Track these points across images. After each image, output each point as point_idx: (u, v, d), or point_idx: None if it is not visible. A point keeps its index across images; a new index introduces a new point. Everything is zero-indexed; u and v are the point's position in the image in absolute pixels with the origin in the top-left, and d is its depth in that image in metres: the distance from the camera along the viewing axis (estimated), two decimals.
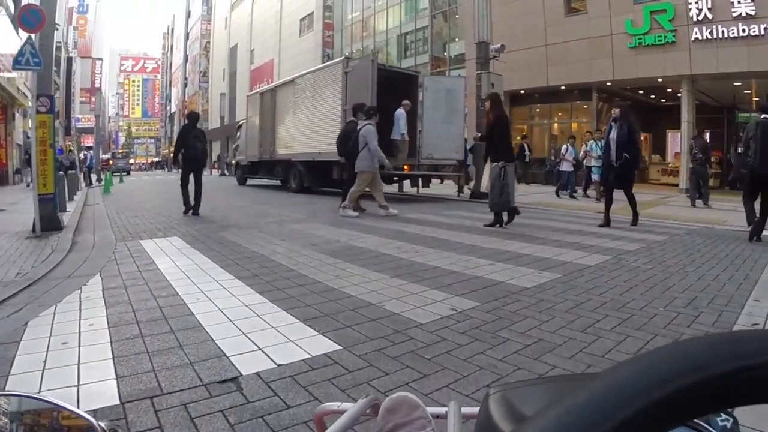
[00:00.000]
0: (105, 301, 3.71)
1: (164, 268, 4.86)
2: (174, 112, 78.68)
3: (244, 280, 4.24)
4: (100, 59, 64.26)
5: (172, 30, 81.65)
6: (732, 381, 0.28)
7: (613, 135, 7.81)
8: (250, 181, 20.83)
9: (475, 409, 0.59)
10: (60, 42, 40.18)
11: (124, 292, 3.95)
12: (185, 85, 69.44)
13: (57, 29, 24.49)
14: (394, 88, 13.51)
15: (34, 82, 8.22)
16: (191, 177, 9.82)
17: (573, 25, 19.13)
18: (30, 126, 31.69)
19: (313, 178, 15.03)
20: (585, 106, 20.88)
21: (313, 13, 38.50)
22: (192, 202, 9.62)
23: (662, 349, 0.31)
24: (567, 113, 22.04)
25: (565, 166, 14.42)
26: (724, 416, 0.52)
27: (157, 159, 79.34)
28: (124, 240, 6.73)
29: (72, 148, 41.13)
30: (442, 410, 0.68)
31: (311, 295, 3.81)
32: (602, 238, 6.77)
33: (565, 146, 14.85)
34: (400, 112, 12.67)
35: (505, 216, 7.73)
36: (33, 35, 8.12)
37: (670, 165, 20.69)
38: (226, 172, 34.21)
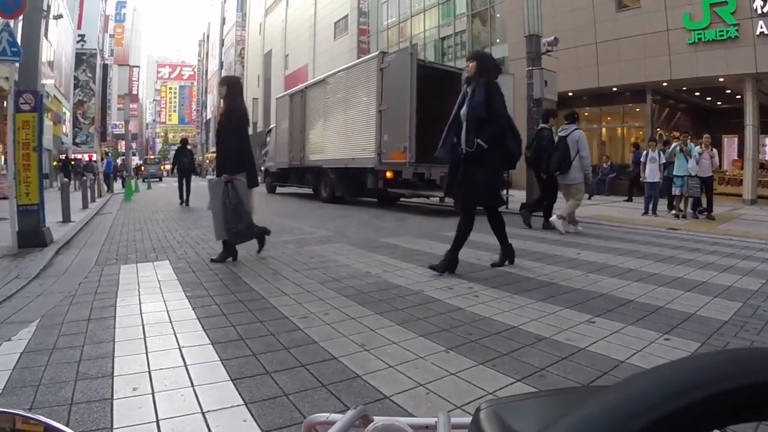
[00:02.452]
0: (7, 378, 2.32)
1: (122, 315, 3.44)
2: (209, 119, 78.91)
3: (220, 348, 2.75)
4: (137, 66, 64.74)
5: (208, 37, 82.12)
6: (742, 396, 0.28)
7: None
8: (279, 190, 19.62)
9: (465, 419, 0.58)
10: (95, 49, 40.33)
11: (43, 362, 2.56)
12: None
13: (55, 19, 23.99)
14: (435, 87, 11.98)
15: (14, 76, 6.96)
16: (183, 181, 14.60)
17: (625, 21, 17.61)
18: (64, 131, 31.35)
19: (346, 186, 13.63)
20: (637, 109, 19.13)
21: (347, 16, 37.37)
22: (184, 196, 14.42)
23: (675, 363, 0.31)
24: (618, 117, 20.24)
25: (651, 176, 11.51)
26: None
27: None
28: (105, 263, 5.52)
29: (108, 154, 41.10)
30: (431, 421, 0.65)
31: (317, 391, 2.27)
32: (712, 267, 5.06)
33: (646, 151, 12.06)
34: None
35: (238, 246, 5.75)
36: (11, 21, 6.95)
37: (727, 173, 18.78)
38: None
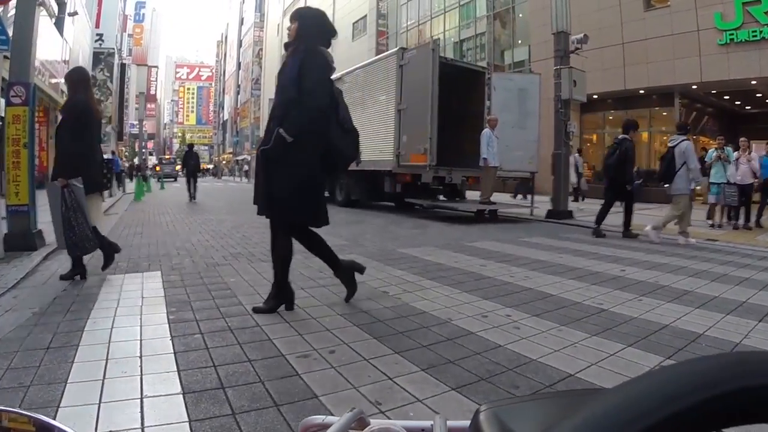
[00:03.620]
0: None
1: (87, 344, 2.82)
2: (226, 120, 79.01)
3: (192, 402, 2.10)
4: (156, 67, 64.93)
5: (226, 38, 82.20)
6: (741, 400, 0.29)
7: None
8: None
9: (463, 423, 0.59)
10: (113, 48, 40.27)
11: None
12: (238, 93, 69.36)
13: (70, 16, 23.75)
14: (458, 86, 11.33)
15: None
16: (191, 180, 16.77)
17: (654, 21, 16.92)
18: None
19: (362, 190, 13.01)
20: (665, 113, 18.35)
21: (366, 16, 36.86)
22: (192, 192, 16.47)
23: (676, 366, 0.31)
24: (644, 121, 19.24)
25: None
26: None
27: (210, 166, 79.85)
28: (91, 272, 4.90)
29: (126, 154, 41.01)
30: (426, 424, 0.62)
31: None
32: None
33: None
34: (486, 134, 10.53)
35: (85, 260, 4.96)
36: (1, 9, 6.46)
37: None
38: None
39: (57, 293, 4.12)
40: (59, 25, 23.50)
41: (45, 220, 9.28)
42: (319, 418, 0.67)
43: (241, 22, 68.38)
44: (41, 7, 19.66)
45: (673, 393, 0.29)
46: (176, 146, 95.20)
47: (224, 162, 74.32)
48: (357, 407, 0.65)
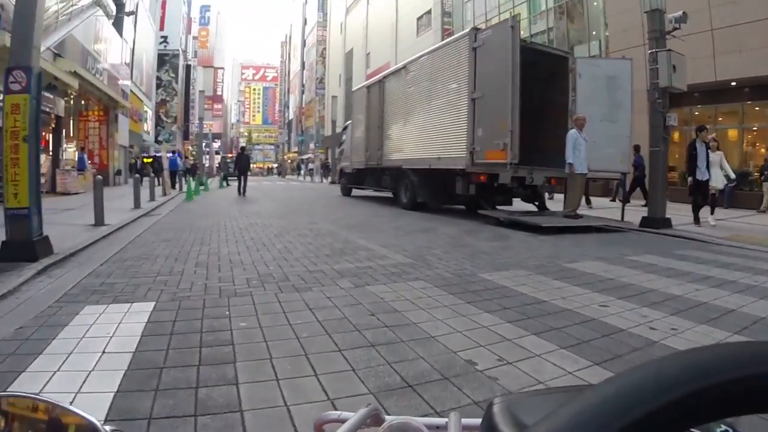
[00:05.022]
0: None
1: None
2: (291, 119, 79.46)
3: None
4: (222, 68, 65.89)
5: (290, 38, 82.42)
6: (738, 389, 0.29)
7: None
8: (355, 192, 17.72)
9: (476, 420, 0.59)
10: (178, 50, 40.75)
11: None
12: (302, 92, 69.34)
13: (127, 16, 23.57)
14: (537, 73, 9.58)
15: None
16: (242, 178, 18.41)
17: (747, 4, 14.38)
18: (145, 129, 31.47)
19: (430, 191, 11.43)
20: (757, 108, 15.67)
21: (430, 10, 35.26)
22: (241, 190, 18.00)
23: (672, 356, 0.31)
24: (734, 117, 16.70)
25: None
26: (724, 427, 0.49)
27: (275, 164, 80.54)
28: (74, 298, 3.82)
29: (193, 154, 41.39)
30: (441, 421, 0.63)
31: None
32: None
33: None
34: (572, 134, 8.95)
35: None
36: None
37: None
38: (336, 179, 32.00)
39: (24, 322, 3.19)
40: (118, 25, 23.36)
41: (61, 222, 8.48)
42: (334, 414, 0.66)
43: (304, 23, 68.09)
44: (97, 7, 19.55)
45: (669, 382, 0.29)
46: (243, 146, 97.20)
47: (289, 161, 74.58)
48: (372, 404, 0.63)
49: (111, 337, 2.88)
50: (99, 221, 8.31)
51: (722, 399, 0.29)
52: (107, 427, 0.52)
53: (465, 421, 0.60)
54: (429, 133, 11.12)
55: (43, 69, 6.64)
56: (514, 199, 10.99)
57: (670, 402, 0.28)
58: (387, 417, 0.61)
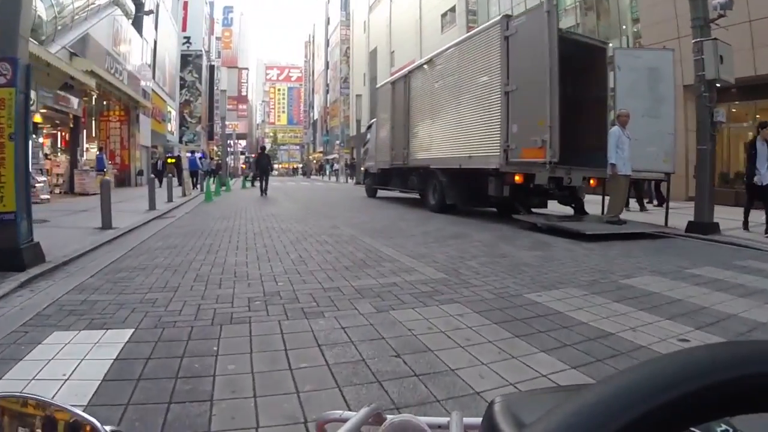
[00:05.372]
0: None
1: None
2: (316, 119, 79.25)
3: None
4: (246, 69, 65.87)
5: (313, 38, 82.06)
6: (735, 389, 0.29)
7: None
8: (381, 193, 17.05)
9: (477, 420, 0.58)
10: (201, 50, 40.69)
11: None
12: (327, 92, 68.96)
13: (146, 15, 23.17)
14: (572, 65, 8.75)
15: None
16: (263, 177, 18.53)
17: None
18: (169, 129, 31.34)
19: (460, 192, 10.66)
20: None
21: (454, 6, 34.41)
22: (263, 188, 18.28)
23: (669, 356, 0.31)
24: None
25: None
26: (724, 426, 0.49)
27: (299, 165, 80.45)
28: (43, 322, 3.25)
29: (218, 154, 41.28)
30: (443, 420, 0.62)
31: None
32: None
33: None
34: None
35: None
36: None
37: None
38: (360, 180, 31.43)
39: None
40: (138, 25, 23.15)
41: (68, 225, 8.00)
42: (336, 413, 0.66)
43: (327, 22, 67.59)
44: (115, 6, 19.29)
45: (667, 382, 0.29)
46: (268, 146, 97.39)
47: (314, 161, 74.32)
48: (374, 404, 0.63)
49: (65, 381, 2.28)
50: (106, 224, 7.83)
51: (720, 399, 0.28)
52: (107, 428, 0.51)
53: (466, 420, 0.60)
54: (459, 130, 10.35)
55: (31, 62, 6.12)
56: (547, 201, 10.19)
57: (668, 401, 0.28)
58: (388, 416, 0.60)
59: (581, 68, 9.28)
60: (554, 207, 10.18)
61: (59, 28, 14.81)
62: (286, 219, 9.85)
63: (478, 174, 9.59)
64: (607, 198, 9.01)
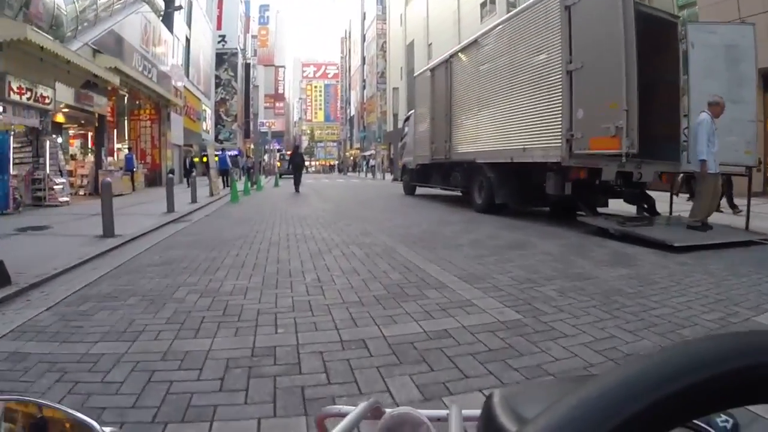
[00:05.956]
0: None
1: None
2: (353, 116, 78.49)
3: None
4: (283, 66, 65.51)
5: (349, 34, 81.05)
6: (738, 379, 0.29)
7: None
8: (420, 190, 15.85)
9: (476, 412, 0.58)
10: (236, 48, 40.27)
11: None
12: (363, 88, 67.98)
13: (175, 10, 22.41)
14: (641, 41, 7.22)
15: None
16: (296, 174, 19.34)
17: None
18: (205, 128, 30.89)
19: (511, 191, 9.34)
20: None
21: None
22: (297, 186, 18.78)
23: (672, 347, 0.31)
24: None
25: None
26: (724, 417, 0.50)
27: (336, 161, 79.86)
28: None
29: (251, 153, 40.86)
30: (443, 413, 0.62)
31: None
32: None
33: None
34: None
35: None
36: None
37: None
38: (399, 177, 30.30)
39: None
40: (168, 21, 22.54)
41: (69, 232, 7.09)
42: (335, 408, 0.65)
43: (363, 17, 66.45)
44: (143, 2, 18.60)
45: (670, 374, 0.28)
46: (305, 143, 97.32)
47: (351, 158, 73.56)
48: (373, 398, 0.63)
49: None
50: (108, 232, 6.94)
51: (725, 390, 0.28)
52: (107, 429, 0.51)
53: (465, 412, 0.60)
54: (510, 119, 8.97)
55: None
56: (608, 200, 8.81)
57: (672, 393, 0.28)
58: (387, 410, 0.60)
59: (650, 45, 7.78)
60: (615, 206, 8.76)
61: (84, 24, 14.18)
62: (312, 223, 8.72)
63: (534, 169, 8.22)
64: (678, 197, 7.55)
